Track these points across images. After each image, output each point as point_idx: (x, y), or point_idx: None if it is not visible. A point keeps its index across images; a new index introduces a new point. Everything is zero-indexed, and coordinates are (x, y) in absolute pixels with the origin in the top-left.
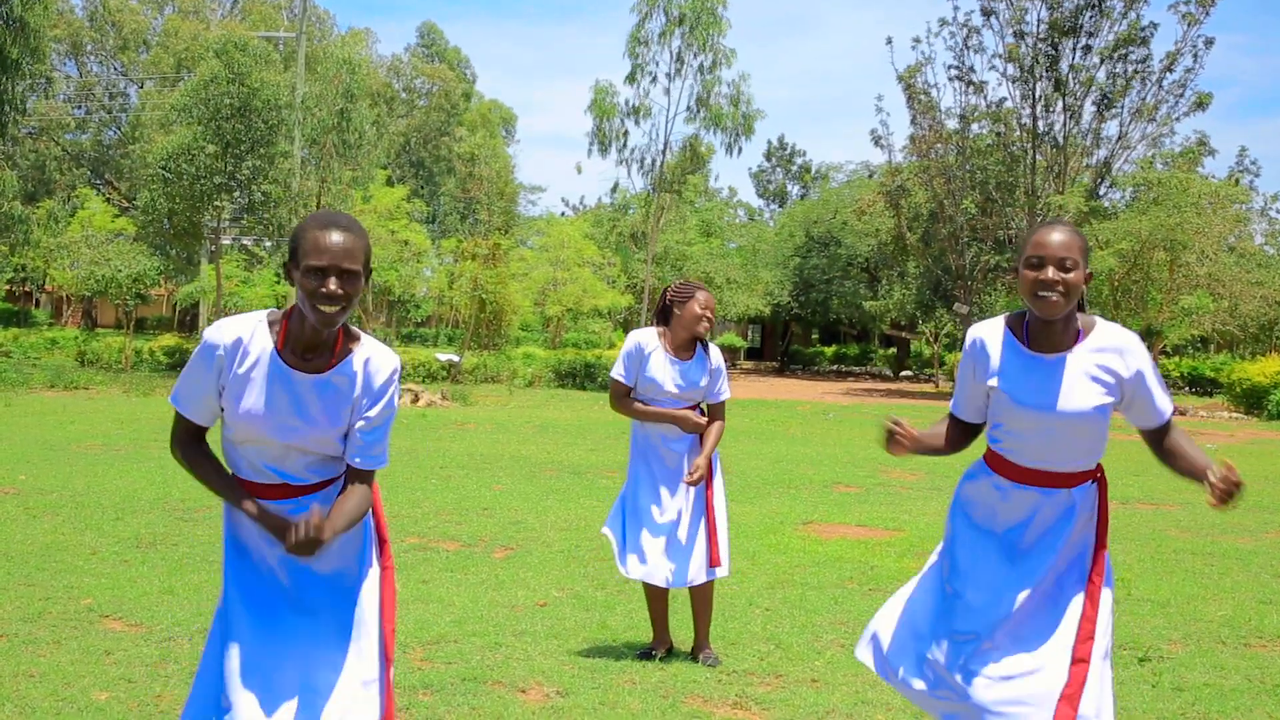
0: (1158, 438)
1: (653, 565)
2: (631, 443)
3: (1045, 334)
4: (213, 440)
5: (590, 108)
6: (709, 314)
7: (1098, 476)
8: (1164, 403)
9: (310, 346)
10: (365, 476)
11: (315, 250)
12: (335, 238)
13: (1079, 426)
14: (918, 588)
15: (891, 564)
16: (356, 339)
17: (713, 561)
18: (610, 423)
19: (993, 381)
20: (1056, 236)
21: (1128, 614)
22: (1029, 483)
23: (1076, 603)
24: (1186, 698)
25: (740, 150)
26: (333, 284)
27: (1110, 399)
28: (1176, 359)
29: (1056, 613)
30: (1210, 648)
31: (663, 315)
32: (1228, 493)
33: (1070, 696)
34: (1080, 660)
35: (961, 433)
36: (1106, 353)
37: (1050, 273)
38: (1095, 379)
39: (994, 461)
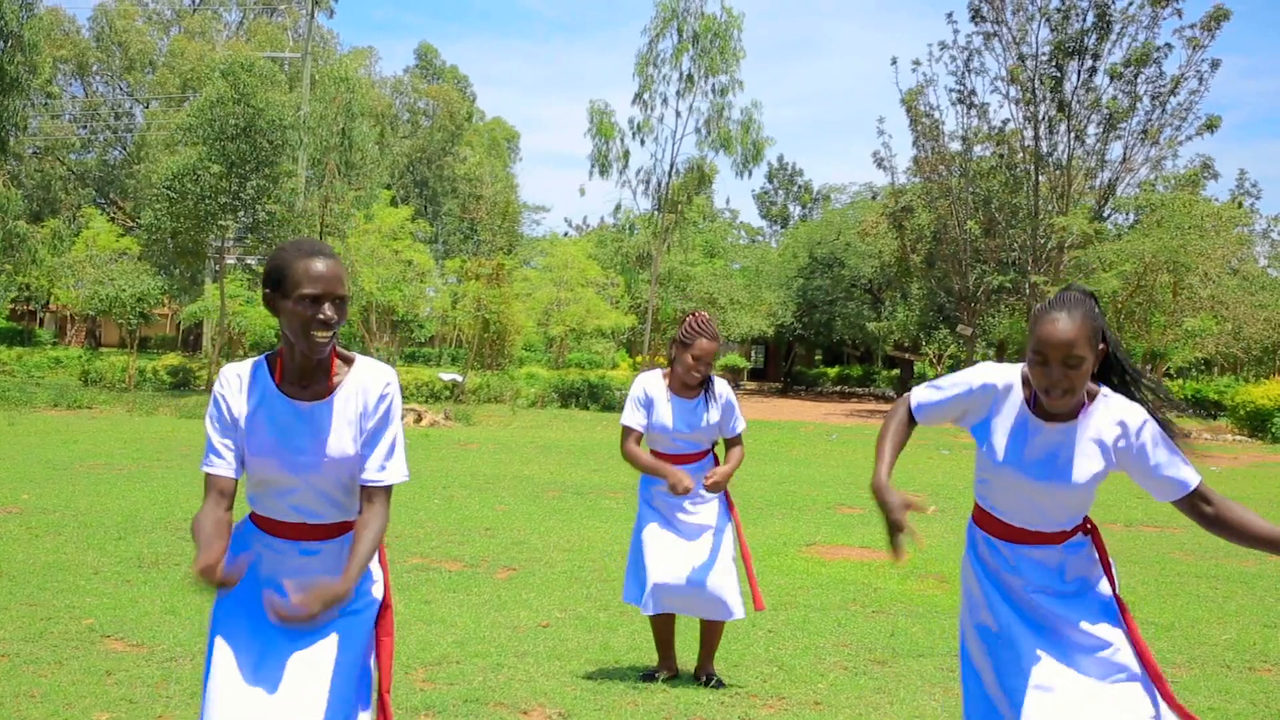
0: (1195, 509)
1: (674, 598)
2: (640, 485)
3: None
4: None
5: (589, 130)
6: (702, 367)
7: (1087, 529)
8: (1184, 472)
9: (305, 374)
10: (380, 495)
11: (308, 279)
12: (323, 266)
13: (1069, 495)
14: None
15: (895, 586)
16: (350, 360)
17: (757, 606)
18: (613, 444)
19: (998, 446)
20: (1061, 329)
21: None
22: (1015, 540)
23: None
24: None
25: (750, 174)
26: (328, 309)
27: (1103, 467)
28: (1180, 381)
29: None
30: (1215, 672)
31: (677, 346)
32: None
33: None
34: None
35: (909, 430)
36: (1107, 426)
37: (1055, 373)
38: (1091, 454)
39: (982, 519)
